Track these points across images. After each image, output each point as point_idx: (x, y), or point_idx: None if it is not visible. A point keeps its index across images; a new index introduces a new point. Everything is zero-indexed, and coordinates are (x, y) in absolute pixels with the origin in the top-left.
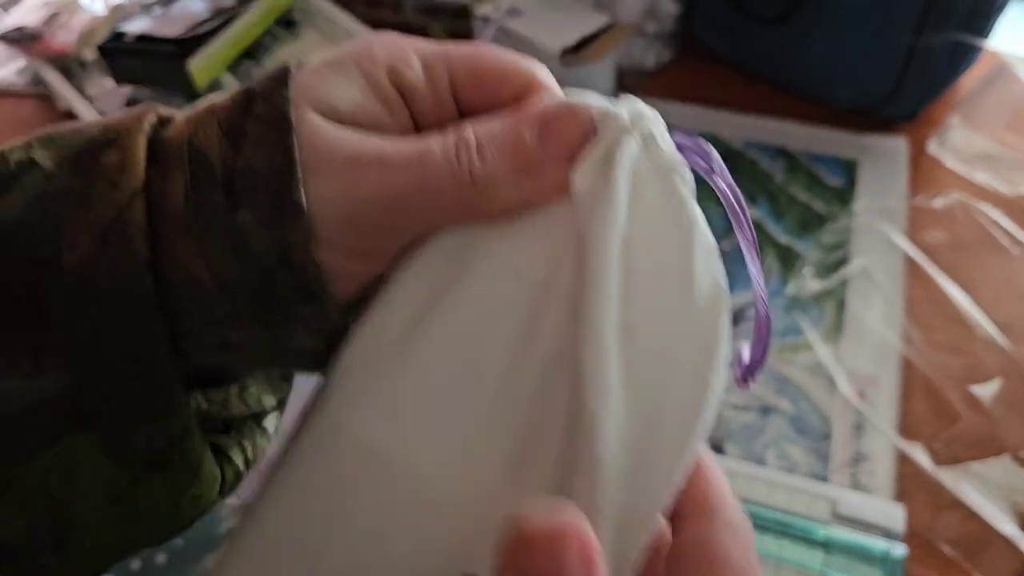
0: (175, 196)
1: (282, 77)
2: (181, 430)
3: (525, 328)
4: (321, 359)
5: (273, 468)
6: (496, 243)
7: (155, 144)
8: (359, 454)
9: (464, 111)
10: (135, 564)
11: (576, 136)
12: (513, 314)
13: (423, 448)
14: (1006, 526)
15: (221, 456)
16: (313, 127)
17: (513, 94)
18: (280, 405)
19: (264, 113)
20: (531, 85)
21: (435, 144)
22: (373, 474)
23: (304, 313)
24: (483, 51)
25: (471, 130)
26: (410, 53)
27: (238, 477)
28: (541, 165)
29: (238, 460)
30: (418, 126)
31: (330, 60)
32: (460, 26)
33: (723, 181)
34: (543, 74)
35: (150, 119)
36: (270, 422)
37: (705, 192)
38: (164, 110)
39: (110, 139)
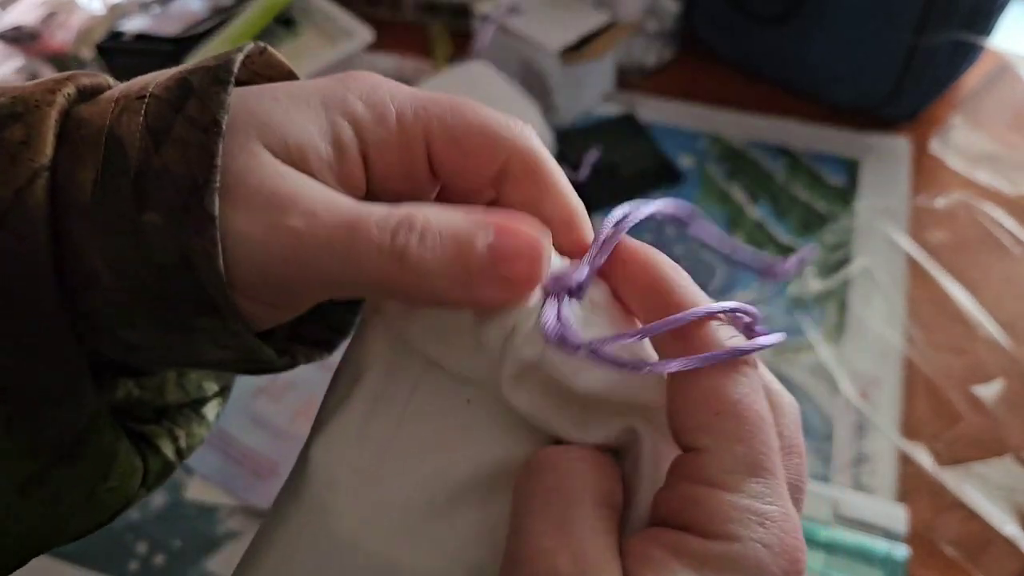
0: (83, 184)
1: (224, 76)
2: (89, 419)
3: (477, 447)
4: (241, 368)
5: (260, 533)
6: (446, 362)
7: (70, 121)
8: (346, 550)
9: (437, 171)
10: (133, 565)
11: (524, 273)
12: (469, 435)
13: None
14: (1008, 527)
15: (146, 446)
16: (253, 157)
17: (495, 163)
18: (223, 392)
19: (195, 115)
20: (515, 156)
21: (376, 212)
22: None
23: (206, 326)
24: (466, 109)
25: (423, 214)
26: (386, 102)
27: (167, 467)
28: (479, 279)
29: (167, 451)
30: (382, 180)
31: (296, 93)
32: (460, 25)
33: (708, 235)
34: (531, 143)
35: (67, 91)
36: (210, 409)
37: (706, 192)
38: (89, 79)
39: (16, 112)
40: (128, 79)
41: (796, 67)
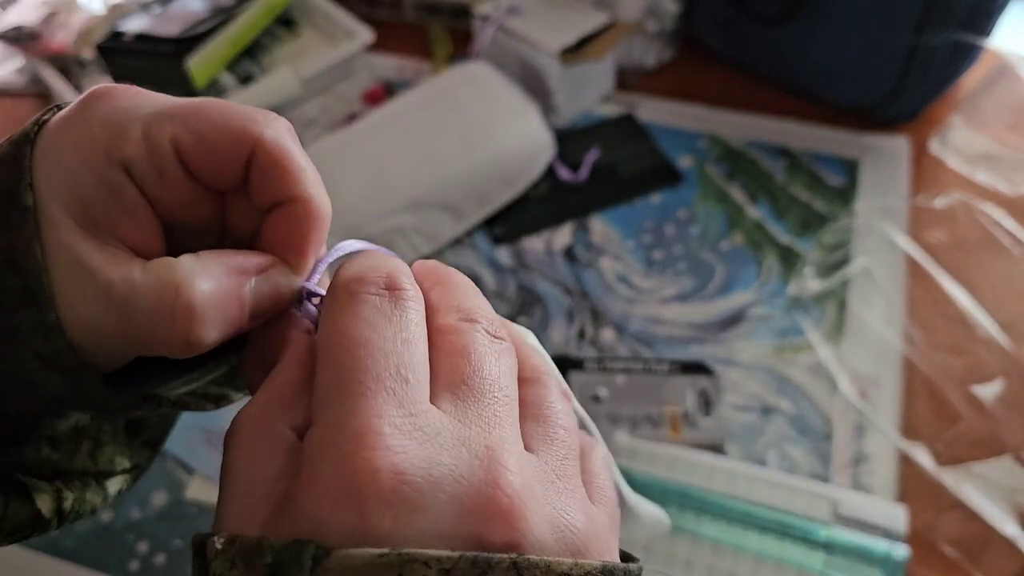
0: None
1: (25, 138)
2: None
3: None
4: (71, 403)
5: None
6: None
7: None
8: None
9: (195, 173)
10: (134, 565)
11: (276, 306)
12: None
13: None
14: (1008, 527)
15: (15, 493)
16: (58, 231)
17: (241, 156)
18: (135, 470)
19: (14, 137)
20: (260, 147)
21: (150, 281)
22: None
23: (26, 323)
24: (210, 108)
25: (196, 291)
26: (128, 124)
27: (36, 522)
28: (243, 321)
29: (43, 506)
30: (148, 197)
31: (65, 142)
32: (459, 25)
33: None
34: (276, 134)
35: None
36: (114, 483)
37: (705, 192)
38: None
39: None
40: (128, 79)
41: (796, 67)
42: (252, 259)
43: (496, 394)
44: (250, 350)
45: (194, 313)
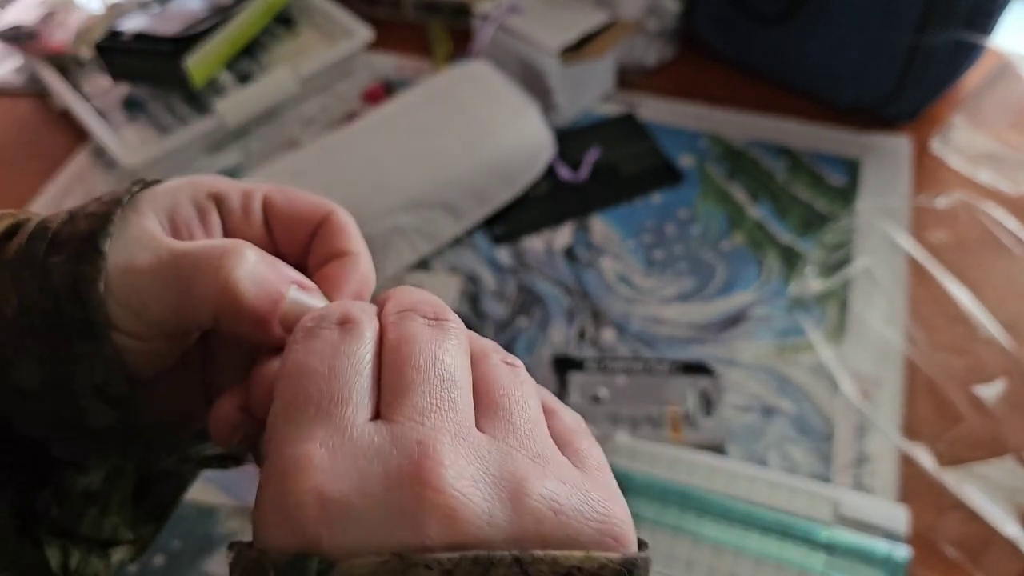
0: (12, 247)
1: (140, 183)
2: None
3: None
4: (115, 439)
5: None
6: None
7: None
8: None
9: (272, 228)
10: (133, 566)
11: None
12: None
13: None
14: (1009, 527)
15: (29, 544)
16: (144, 218)
17: (317, 216)
18: (136, 543)
19: (105, 197)
20: (332, 215)
21: (207, 243)
22: None
23: (84, 350)
24: (295, 191)
25: (247, 251)
26: (232, 182)
27: (41, 573)
28: (275, 316)
29: (52, 559)
30: (226, 228)
31: (173, 182)
32: (459, 24)
33: None
34: (344, 212)
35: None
36: (117, 554)
37: (706, 192)
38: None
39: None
40: (127, 78)
41: (797, 67)
42: (301, 276)
43: (430, 379)
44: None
45: (241, 257)
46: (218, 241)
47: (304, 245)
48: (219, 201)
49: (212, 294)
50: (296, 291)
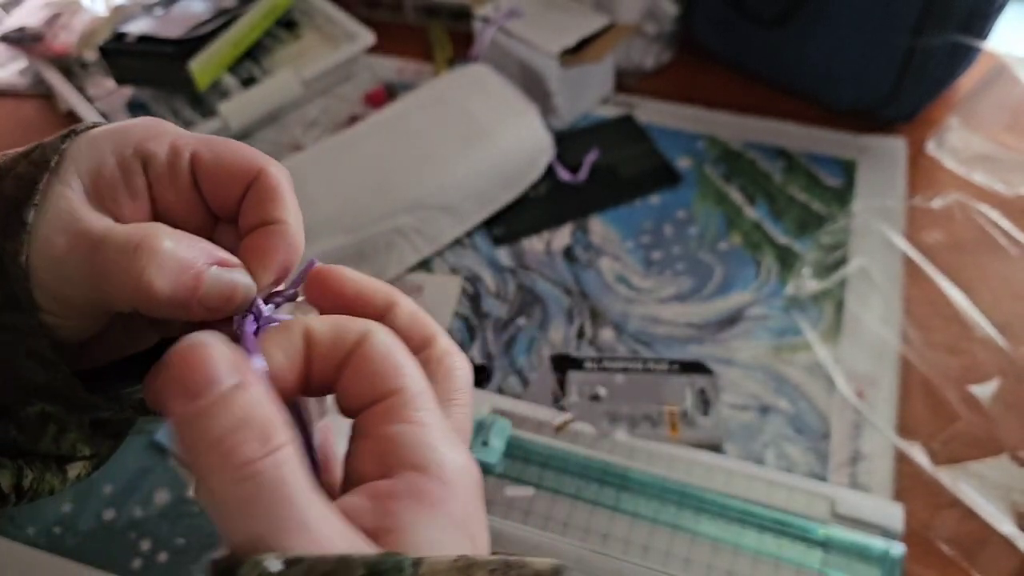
0: None
1: (68, 134)
2: None
3: None
4: (47, 395)
5: None
6: None
7: None
8: None
9: (201, 188)
10: (136, 563)
11: (227, 304)
12: None
13: None
14: (1004, 525)
15: None
16: (67, 188)
17: (248, 175)
18: (95, 458)
19: (35, 157)
20: (263, 172)
21: (121, 232)
22: None
23: (11, 322)
24: (228, 141)
25: (162, 239)
26: (161, 131)
27: None
28: (195, 297)
29: (3, 481)
30: (153, 192)
31: (100, 133)
32: (460, 27)
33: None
34: (276, 168)
35: None
36: (74, 469)
37: (704, 193)
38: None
39: None
40: (131, 81)
41: (794, 69)
42: (221, 252)
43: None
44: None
45: (153, 253)
46: (132, 230)
47: (236, 202)
48: (145, 160)
49: (127, 292)
50: (216, 271)
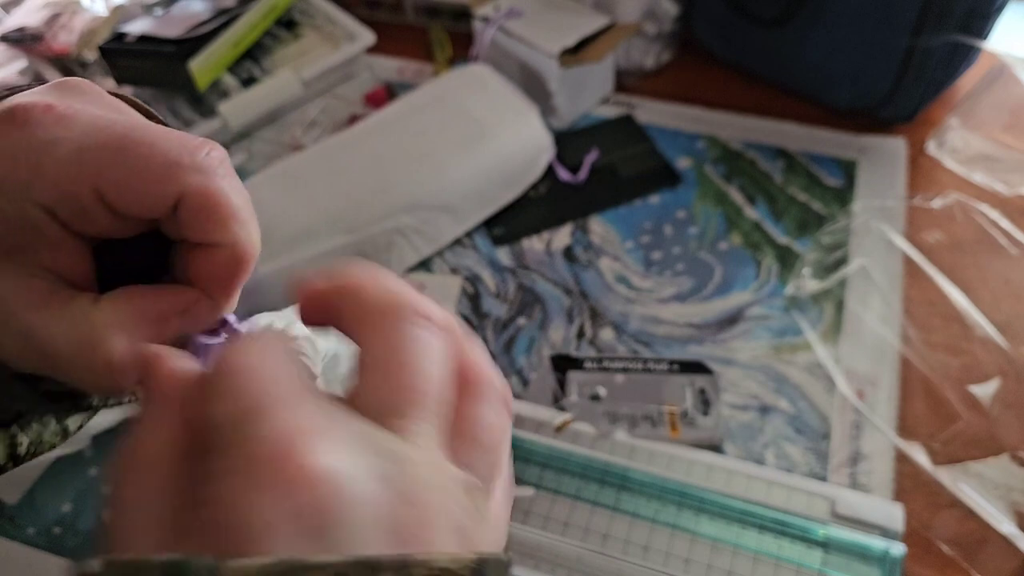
0: None
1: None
2: None
3: None
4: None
5: None
6: None
7: None
8: None
9: (120, 214)
10: None
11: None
12: None
13: None
14: (1004, 525)
15: None
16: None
17: (167, 203)
18: (94, 408)
19: None
20: (184, 197)
21: (69, 335)
22: None
23: None
24: (132, 150)
25: (114, 350)
26: (48, 166)
27: None
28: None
29: None
30: (73, 230)
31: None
32: (460, 27)
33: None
34: (197, 180)
35: None
36: (74, 421)
37: (704, 193)
38: None
39: None
40: (131, 81)
41: (794, 69)
42: (175, 300)
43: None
44: None
45: (112, 368)
46: (72, 345)
47: (168, 214)
48: (49, 211)
49: (99, 391)
50: (180, 319)
